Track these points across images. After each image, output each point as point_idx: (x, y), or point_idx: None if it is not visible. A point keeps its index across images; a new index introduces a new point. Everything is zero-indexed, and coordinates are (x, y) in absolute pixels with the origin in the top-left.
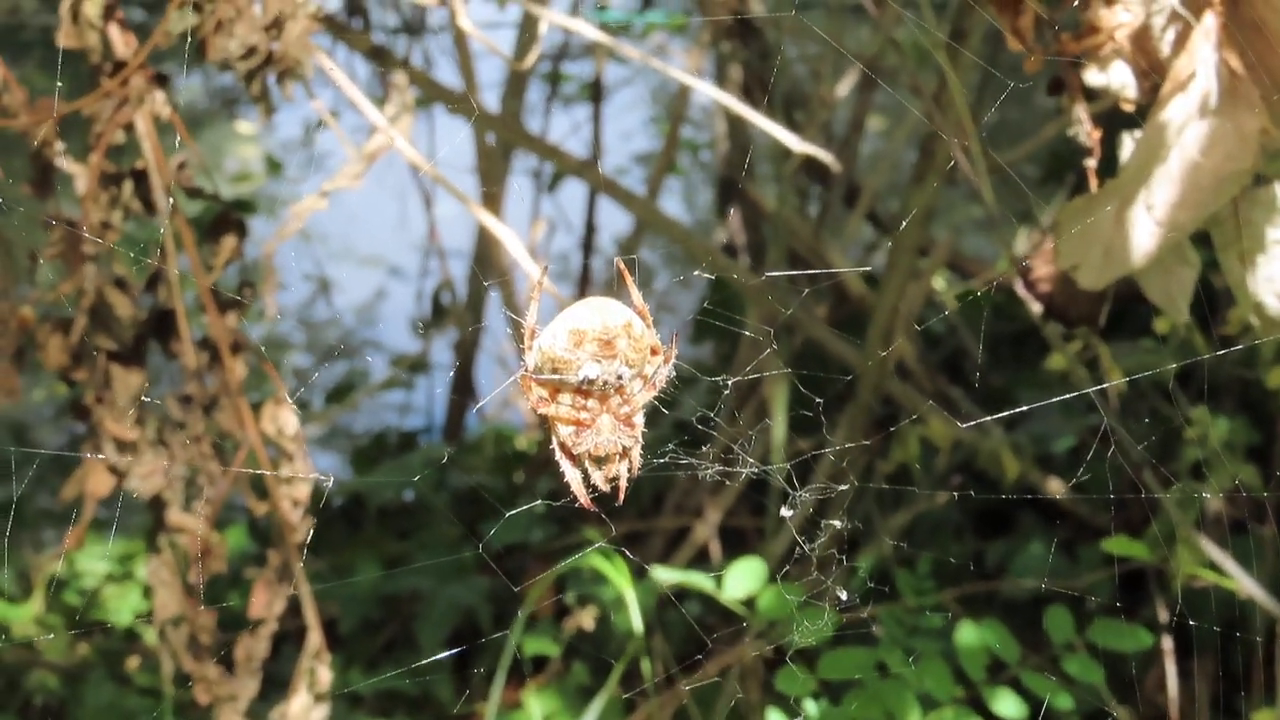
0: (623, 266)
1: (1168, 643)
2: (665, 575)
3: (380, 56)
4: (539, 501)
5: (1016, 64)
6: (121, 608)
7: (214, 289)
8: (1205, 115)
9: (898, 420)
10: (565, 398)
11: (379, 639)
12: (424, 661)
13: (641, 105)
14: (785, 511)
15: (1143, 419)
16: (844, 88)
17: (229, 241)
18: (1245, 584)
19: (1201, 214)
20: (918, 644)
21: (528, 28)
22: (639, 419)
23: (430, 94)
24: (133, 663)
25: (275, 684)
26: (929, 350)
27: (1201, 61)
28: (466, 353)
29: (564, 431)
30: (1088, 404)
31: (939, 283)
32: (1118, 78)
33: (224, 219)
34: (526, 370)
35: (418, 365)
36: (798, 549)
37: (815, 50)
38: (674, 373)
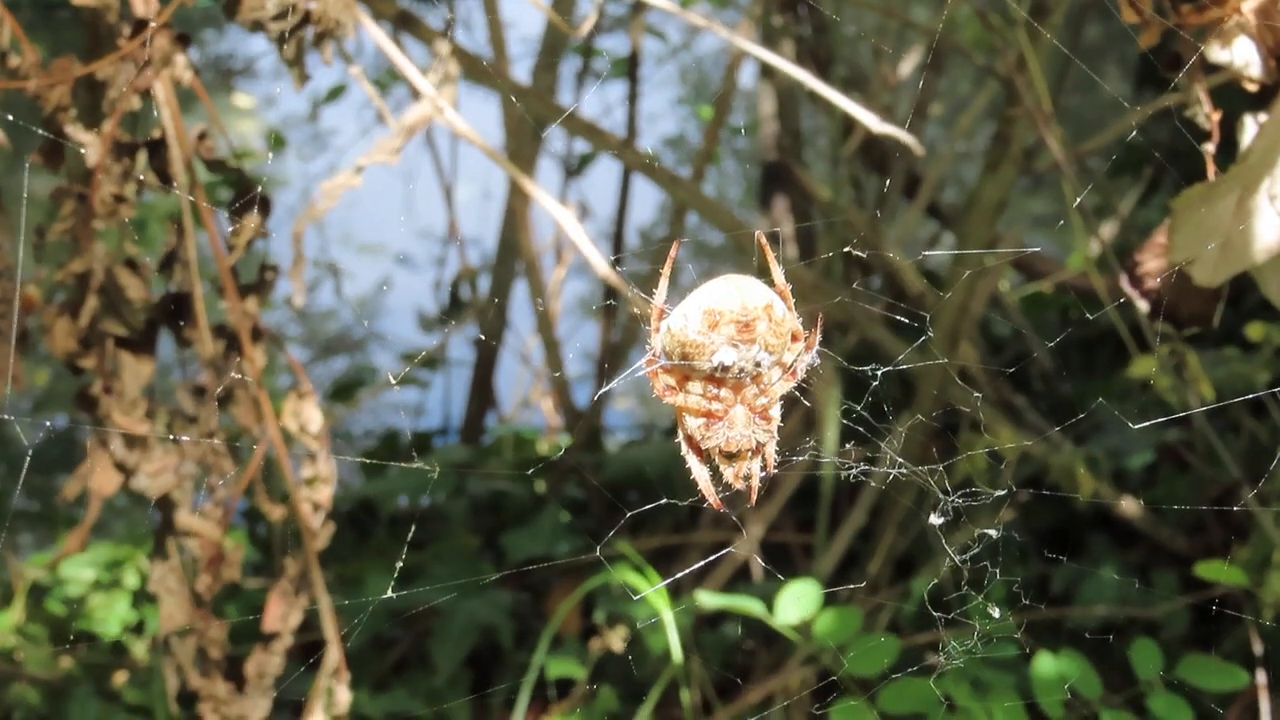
0: (764, 241)
1: (1261, 677)
2: (709, 600)
3: (409, 24)
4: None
5: (1091, 49)
6: (109, 618)
7: (234, 271)
8: None
9: (957, 431)
10: (695, 386)
11: (390, 658)
12: (439, 681)
13: (670, 85)
14: (935, 519)
15: (1229, 434)
16: (906, 68)
17: (252, 219)
18: None
19: None
20: (987, 676)
21: None
22: (775, 411)
23: (463, 66)
24: (120, 678)
25: (280, 706)
26: (992, 356)
27: None
28: (488, 349)
29: (692, 424)
30: (1167, 417)
31: (1002, 283)
32: (1241, 54)
33: (247, 194)
34: (653, 354)
35: (432, 361)
36: (949, 562)
37: (875, 25)
38: (817, 361)
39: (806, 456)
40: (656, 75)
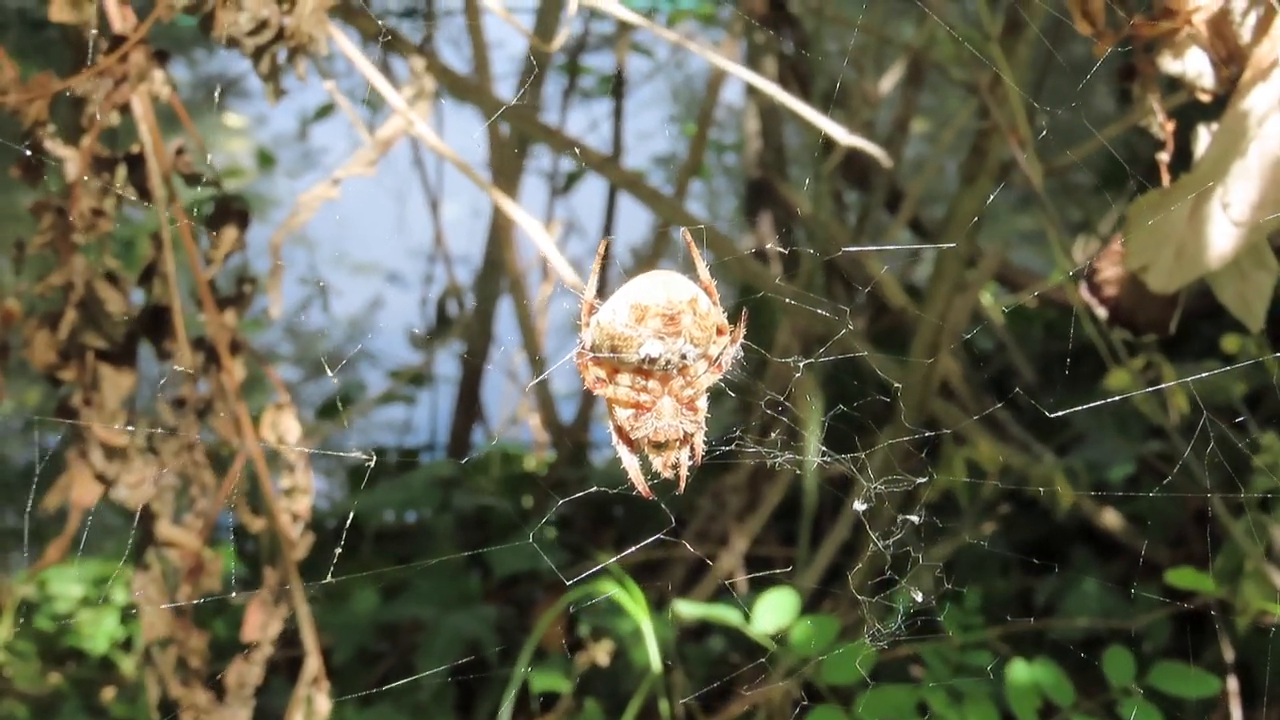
0: (689, 237)
1: (1232, 684)
2: (688, 609)
3: (392, 41)
4: (549, 525)
5: (1073, 62)
6: (96, 634)
7: (212, 284)
8: None
9: (940, 444)
10: (624, 378)
11: (375, 671)
12: (424, 696)
13: (661, 103)
14: (859, 505)
15: (1206, 445)
16: (887, 84)
17: (230, 233)
18: None
19: None
20: (963, 684)
21: (550, 9)
22: (702, 403)
23: (444, 82)
24: (108, 693)
25: (264, 718)
26: (974, 369)
27: None
28: (474, 365)
29: (622, 415)
30: (1147, 429)
31: (986, 297)
32: (1194, 65)
33: (225, 208)
34: (584, 348)
35: (419, 378)
36: (871, 545)
37: (857, 42)
38: (741, 353)
39: (733, 447)
40: (647, 93)
